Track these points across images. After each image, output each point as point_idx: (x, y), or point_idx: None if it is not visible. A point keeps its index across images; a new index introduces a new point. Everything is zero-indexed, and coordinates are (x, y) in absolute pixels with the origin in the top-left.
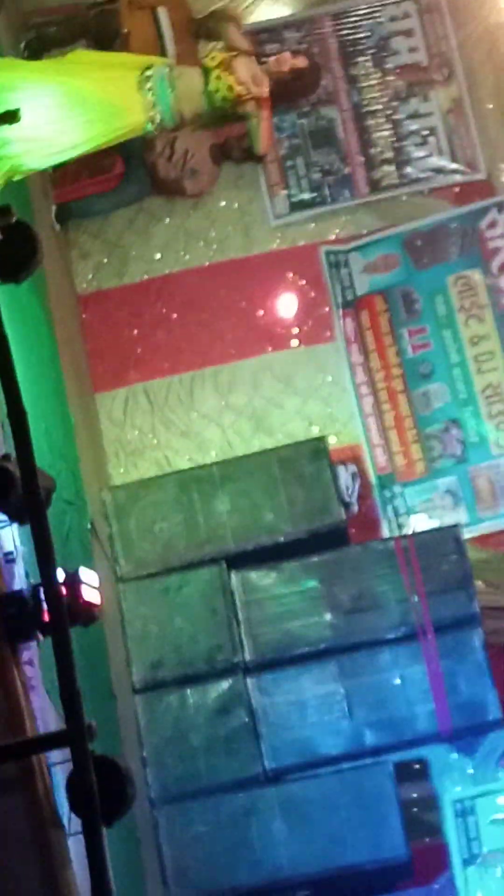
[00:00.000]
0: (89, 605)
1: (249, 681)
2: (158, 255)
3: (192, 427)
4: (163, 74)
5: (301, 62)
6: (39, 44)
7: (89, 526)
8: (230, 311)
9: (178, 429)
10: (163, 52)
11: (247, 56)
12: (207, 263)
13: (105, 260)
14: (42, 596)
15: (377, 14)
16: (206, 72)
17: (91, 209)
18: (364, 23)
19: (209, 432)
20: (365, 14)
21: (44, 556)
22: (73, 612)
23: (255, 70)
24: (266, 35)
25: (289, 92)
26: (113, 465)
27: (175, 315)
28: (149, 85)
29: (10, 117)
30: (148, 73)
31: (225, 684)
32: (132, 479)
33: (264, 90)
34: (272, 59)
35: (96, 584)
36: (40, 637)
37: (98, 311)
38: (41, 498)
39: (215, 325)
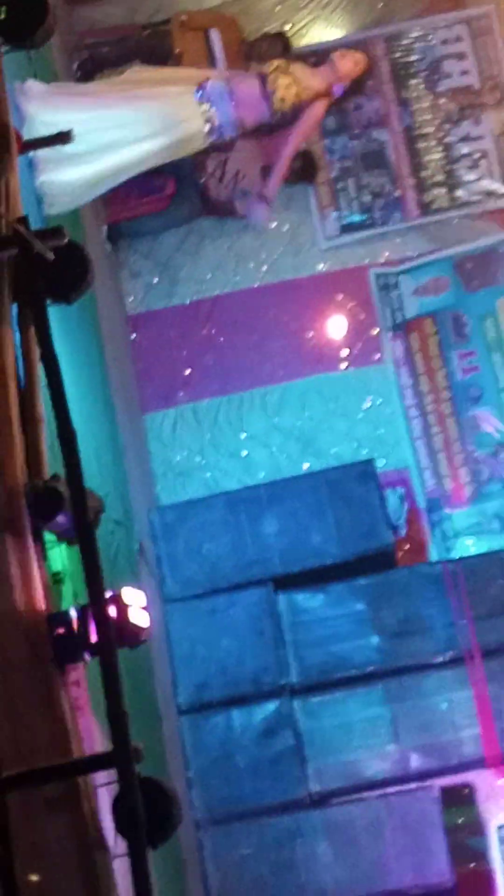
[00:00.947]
0: (137, 626)
1: (295, 703)
2: (209, 276)
3: (240, 448)
4: (220, 84)
5: (358, 68)
6: (92, 64)
7: (137, 546)
8: (279, 332)
9: (227, 450)
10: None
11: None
12: (257, 285)
13: (155, 280)
14: (90, 617)
15: (429, 37)
16: (264, 78)
17: (142, 229)
18: (416, 46)
19: (257, 453)
20: (417, 37)
21: (92, 576)
22: (120, 633)
23: (310, 71)
24: (317, 58)
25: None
26: (161, 485)
27: (224, 336)
28: (207, 95)
29: (64, 138)
30: (205, 84)
31: (271, 706)
32: (180, 500)
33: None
34: (335, 55)
35: (144, 605)
36: (87, 658)
37: (148, 331)
38: (90, 519)
39: (264, 347)
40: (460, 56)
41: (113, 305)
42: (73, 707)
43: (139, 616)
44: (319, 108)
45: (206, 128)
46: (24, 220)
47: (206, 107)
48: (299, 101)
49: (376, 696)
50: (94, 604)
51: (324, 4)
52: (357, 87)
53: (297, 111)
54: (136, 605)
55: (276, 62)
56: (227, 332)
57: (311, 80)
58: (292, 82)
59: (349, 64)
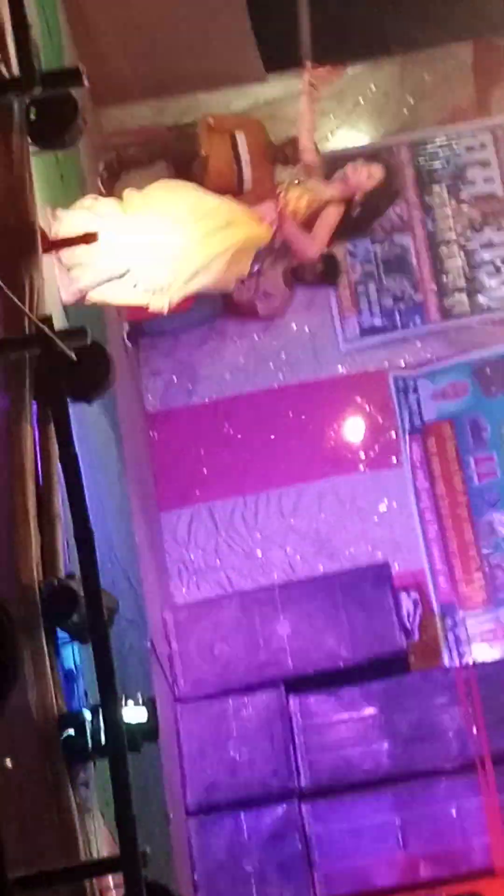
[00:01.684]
0: (147, 728)
1: (304, 807)
2: (228, 376)
3: (255, 548)
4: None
5: (372, 180)
6: (119, 164)
7: (149, 644)
8: (297, 433)
9: (242, 550)
10: (240, 176)
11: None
12: (276, 385)
13: (175, 378)
14: (101, 718)
15: (454, 144)
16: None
17: (164, 328)
18: (440, 152)
19: (272, 554)
20: (442, 144)
21: (105, 678)
22: (130, 734)
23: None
24: (343, 162)
25: (363, 213)
26: (175, 584)
27: (242, 436)
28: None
29: (89, 238)
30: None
31: (280, 810)
32: (194, 599)
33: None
34: (348, 168)
35: (155, 707)
36: (97, 758)
37: (166, 429)
38: (105, 619)
39: (282, 447)
40: (484, 164)
41: (132, 403)
42: (81, 808)
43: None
44: (332, 214)
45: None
46: (48, 320)
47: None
48: (311, 210)
49: (386, 801)
50: (106, 705)
51: (349, 110)
52: (379, 199)
53: (312, 220)
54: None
55: (288, 179)
56: (245, 431)
57: (324, 190)
58: (303, 192)
59: (361, 176)
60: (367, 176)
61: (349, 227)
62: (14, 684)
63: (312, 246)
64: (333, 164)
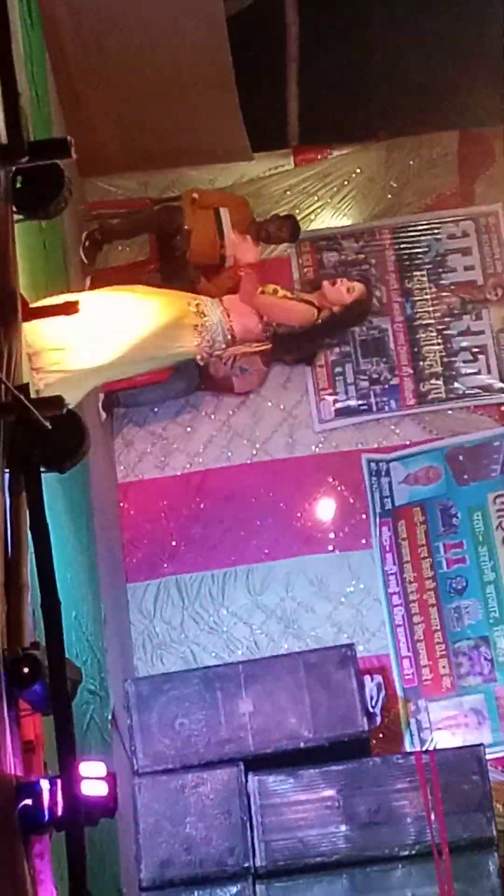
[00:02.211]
0: (105, 802)
1: (259, 887)
2: (201, 450)
3: (221, 624)
4: (218, 322)
5: (351, 296)
6: (102, 235)
7: (110, 716)
8: (268, 510)
9: (207, 625)
10: (222, 251)
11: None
12: (249, 461)
13: (148, 450)
14: (59, 790)
15: (436, 231)
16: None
17: (139, 399)
18: (423, 238)
19: (238, 630)
20: (424, 230)
21: (65, 750)
22: (88, 808)
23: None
24: (325, 243)
25: (340, 321)
26: (139, 656)
27: (213, 510)
28: (203, 311)
29: (70, 308)
30: (204, 324)
31: (234, 888)
32: (157, 672)
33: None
34: (325, 282)
35: (115, 782)
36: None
37: (137, 500)
38: (67, 690)
39: (252, 524)
40: (465, 251)
41: (104, 472)
42: (35, 880)
43: (107, 792)
44: (303, 309)
45: (200, 343)
46: (24, 388)
47: (202, 320)
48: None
49: (341, 885)
50: (65, 778)
51: (333, 192)
52: (356, 314)
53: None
54: (105, 781)
55: (270, 286)
56: (216, 506)
57: (301, 294)
58: (284, 295)
59: (337, 294)
60: (345, 290)
61: (318, 331)
62: None
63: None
64: (315, 244)
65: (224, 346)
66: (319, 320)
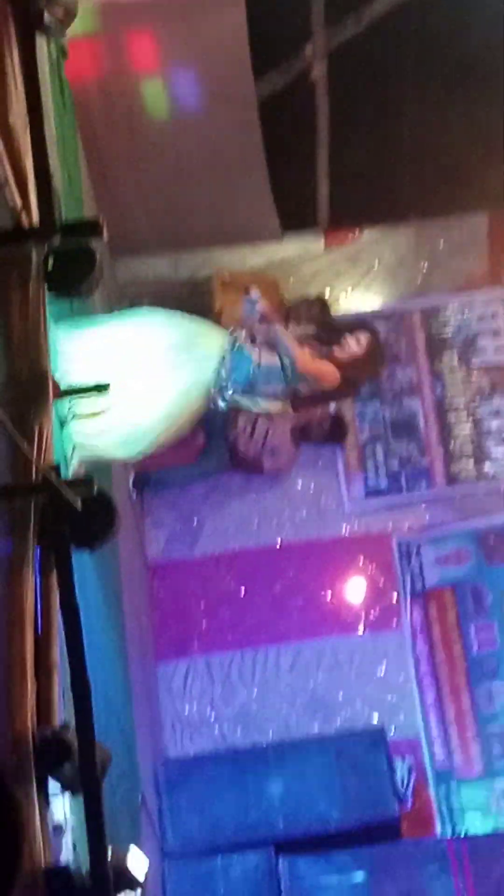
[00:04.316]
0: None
1: None
2: (231, 530)
3: (250, 705)
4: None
5: (361, 347)
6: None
7: (140, 798)
8: (298, 591)
9: (237, 706)
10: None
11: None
12: (279, 542)
13: (178, 530)
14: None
15: (466, 312)
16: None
17: (169, 479)
18: (452, 320)
19: (268, 711)
20: (454, 311)
21: (95, 833)
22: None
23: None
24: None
25: (352, 378)
26: (169, 737)
27: (243, 591)
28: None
29: (100, 389)
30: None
31: None
32: (187, 753)
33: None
34: (335, 348)
35: (145, 868)
36: None
37: (167, 580)
38: (97, 772)
39: (282, 604)
40: (495, 333)
41: (134, 552)
42: None
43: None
44: (331, 369)
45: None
46: (55, 468)
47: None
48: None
49: None
50: (95, 860)
51: (363, 273)
52: (367, 364)
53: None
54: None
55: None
56: (246, 587)
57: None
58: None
59: (348, 351)
60: (356, 343)
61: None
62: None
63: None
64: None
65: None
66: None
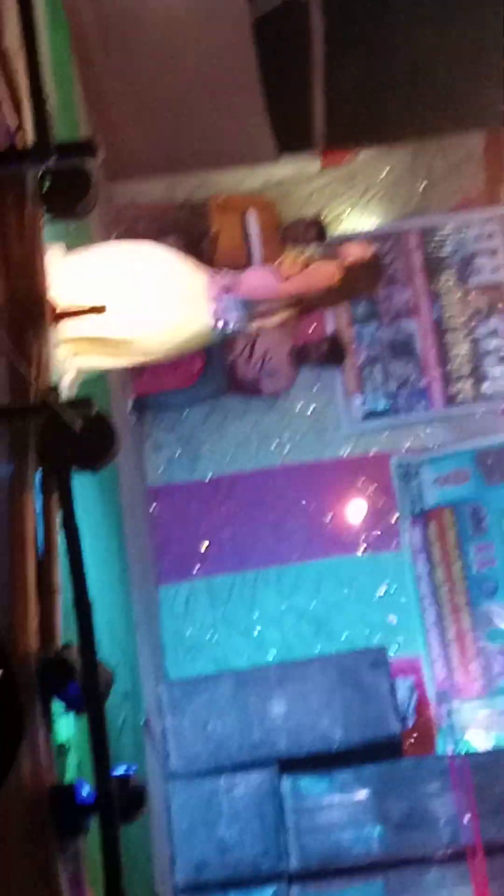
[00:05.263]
0: (138, 802)
1: (294, 889)
2: (231, 453)
3: (252, 626)
4: (231, 299)
5: (366, 251)
6: (129, 238)
7: (143, 719)
8: (298, 513)
9: (238, 627)
10: (249, 253)
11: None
12: (279, 464)
13: (178, 454)
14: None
15: (463, 232)
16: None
17: (168, 403)
18: (450, 240)
19: (269, 633)
20: (451, 231)
21: (99, 751)
22: (122, 809)
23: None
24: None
25: (352, 282)
26: (170, 659)
27: (243, 513)
28: (221, 312)
29: (97, 310)
30: (219, 307)
31: (269, 891)
32: (189, 675)
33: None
34: (346, 244)
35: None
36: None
37: (167, 504)
38: (100, 692)
39: (283, 526)
40: (492, 252)
41: (134, 476)
42: (70, 882)
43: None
44: (328, 270)
45: (217, 331)
46: (54, 390)
47: (219, 322)
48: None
49: (376, 888)
50: (100, 779)
51: (360, 194)
52: (372, 279)
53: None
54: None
55: (289, 255)
56: (246, 509)
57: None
58: (301, 260)
59: (358, 249)
60: (359, 249)
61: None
62: (20, 750)
63: (284, 287)
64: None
65: (244, 319)
66: (339, 283)
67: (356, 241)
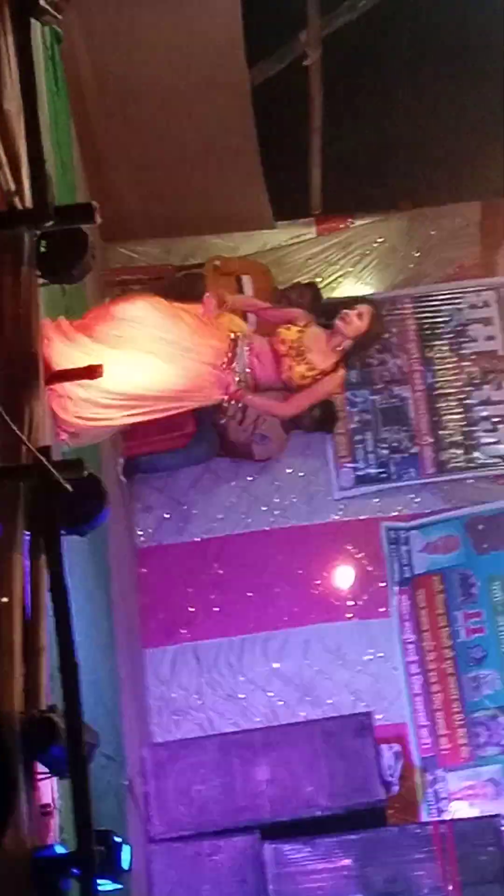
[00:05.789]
0: (120, 869)
1: None
2: (220, 516)
3: (238, 691)
4: (244, 361)
5: (364, 321)
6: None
7: (126, 782)
8: (287, 577)
9: (224, 691)
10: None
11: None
12: (268, 528)
13: (167, 515)
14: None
15: (457, 301)
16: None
17: (159, 465)
18: (444, 308)
19: (255, 698)
20: (445, 300)
21: (82, 814)
22: (103, 873)
23: (324, 344)
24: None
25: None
26: (155, 722)
27: (231, 577)
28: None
29: (93, 372)
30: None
31: None
32: (173, 738)
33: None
34: (338, 322)
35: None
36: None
37: (155, 565)
38: (85, 755)
39: (270, 591)
40: (487, 321)
41: (123, 537)
42: None
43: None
44: (327, 384)
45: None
46: (46, 450)
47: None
48: (307, 378)
49: None
50: (82, 842)
51: (354, 262)
52: (374, 334)
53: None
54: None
55: (291, 329)
56: (234, 573)
57: (323, 361)
58: (305, 371)
59: (353, 327)
60: (357, 317)
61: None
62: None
63: (286, 410)
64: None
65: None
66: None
67: (352, 312)
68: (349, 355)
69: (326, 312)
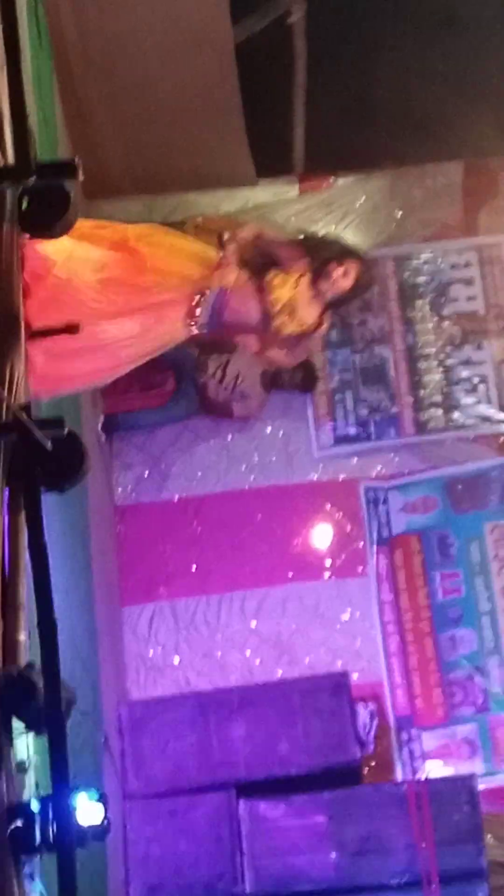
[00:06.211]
0: (97, 826)
1: None
2: (199, 474)
3: (215, 649)
4: (214, 295)
5: (349, 279)
6: None
7: (103, 739)
8: (265, 536)
9: (201, 650)
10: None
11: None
12: (247, 487)
13: (146, 473)
14: (51, 811)
15: (439, 260)
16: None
17: (138, 423)
18: (425, 268)
19: (232, 656)
20: (427, 259)
21: (59, 771)
22: (81, 832)
23: (310, 296)
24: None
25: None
26: (132, 679)
27: (209, 535)
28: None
29: (71, 329)
30: (201, 300)
31: None
32: (150, 696)
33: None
34: (322, 282)
35: (106, 807)
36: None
37: (134, 524)
38: (62, 711)
39: (248, 550)
40: (468, 282)
41: (102, 495)
42: None
43: (99, 816)
44: (315, 343)
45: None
46: (26, 407)
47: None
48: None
49: None
50: (58, 799)
51: (338, 220)
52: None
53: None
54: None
55: (286, 286)
56: (212, 531)
57: (308, 310)
58: (295, 328)
59: (338, 285)
60: (342, 276)
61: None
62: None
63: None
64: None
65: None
66: (326, 323)
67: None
68: (333, 305)
69: (317, 262)
